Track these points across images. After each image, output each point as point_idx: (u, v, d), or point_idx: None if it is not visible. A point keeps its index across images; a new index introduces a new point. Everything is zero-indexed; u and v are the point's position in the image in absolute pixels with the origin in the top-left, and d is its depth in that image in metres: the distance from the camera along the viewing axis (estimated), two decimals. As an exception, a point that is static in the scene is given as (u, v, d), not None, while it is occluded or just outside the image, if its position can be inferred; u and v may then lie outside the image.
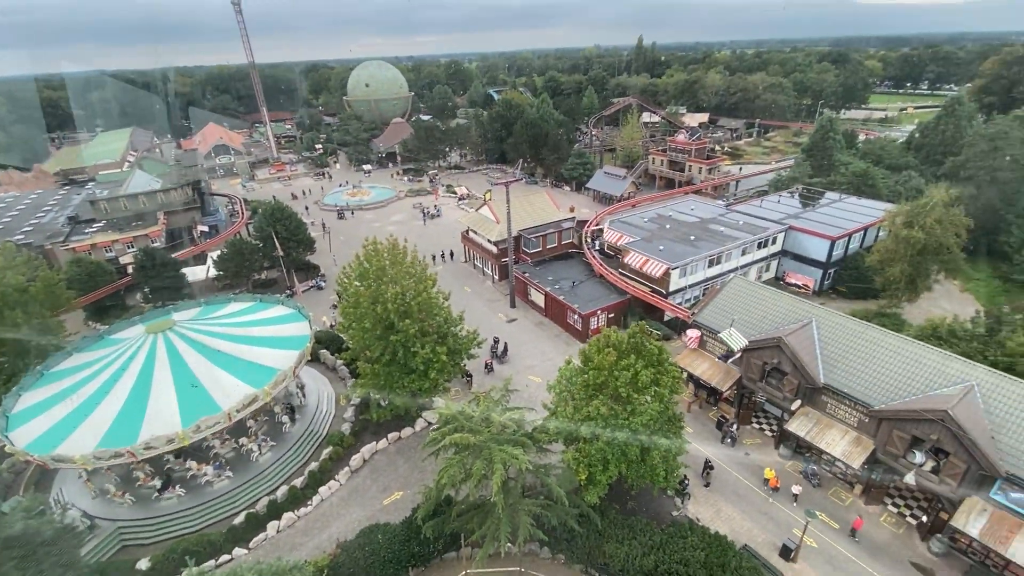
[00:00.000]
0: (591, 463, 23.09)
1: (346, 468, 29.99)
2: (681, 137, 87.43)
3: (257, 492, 28.41)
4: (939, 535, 24.35)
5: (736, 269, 46.85)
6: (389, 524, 25.02)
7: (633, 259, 46.34)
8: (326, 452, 30.60)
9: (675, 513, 26.68)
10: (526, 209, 55.40)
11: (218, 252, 53.54)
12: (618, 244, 51.15)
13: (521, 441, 23.22)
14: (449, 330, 31.92)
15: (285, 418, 32.46)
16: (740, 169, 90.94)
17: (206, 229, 65.09)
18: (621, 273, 47.47)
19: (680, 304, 43.63)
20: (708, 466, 28.92)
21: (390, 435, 32.71)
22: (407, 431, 33.31)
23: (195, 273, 53.79)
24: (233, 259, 51.03)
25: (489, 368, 39.74)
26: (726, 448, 31.19)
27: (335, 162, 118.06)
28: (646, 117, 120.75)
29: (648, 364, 23.36)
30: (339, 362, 39.37)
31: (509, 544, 21.93)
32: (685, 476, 27.58)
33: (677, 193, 74.23)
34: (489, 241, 53.90)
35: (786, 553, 24.22)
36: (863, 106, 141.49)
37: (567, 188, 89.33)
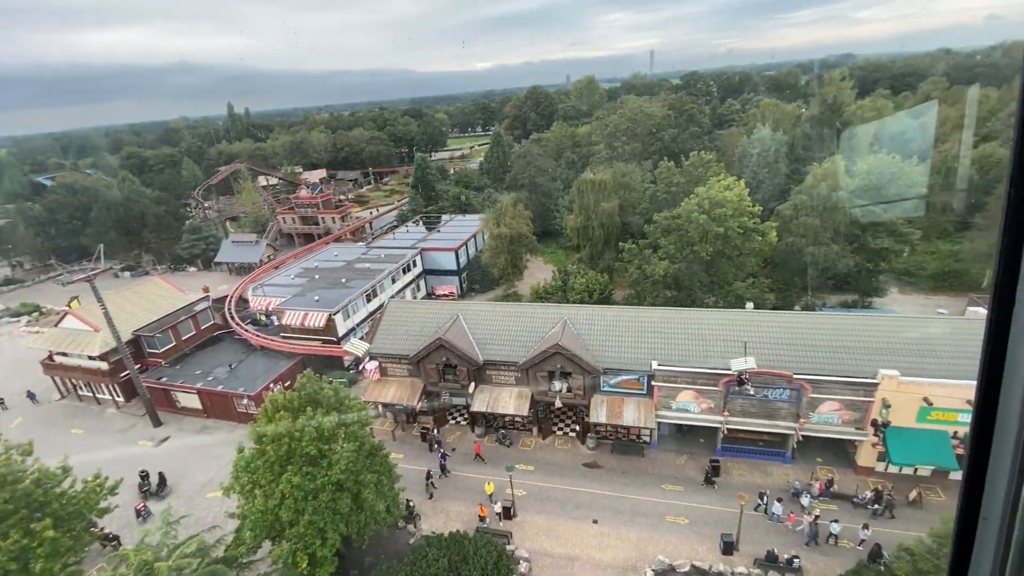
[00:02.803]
0: (307, 544, 20.46)
1: None
2: (304, 193, 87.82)
3: None
4: (589, 434, 32.43)
5: (393, 296, 50.30)
6: None
7: (292, 317, 43.68)
8: None
9: (412, 541, 26.51)
10: (138, 304, 44.61)
11: None
12: (270, 308, 47.26)
13: (213, 571, 18.59)
14: (50, 493, 22.54)
15: None
16: (377, 211, 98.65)
17: None
18: (285, 336, 44.03)
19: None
20: (429, 477, 29.95)
21: None
22: (20, 673, 21.72)
23: None
24: None
25: (144, 513, 30.18)
26: (436, 453, 33.04)
27: None
28: (264, 180, 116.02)
29: (329, 410, 22.32)
30: None
31: None
32: (408, 500, 27.74)
33: (318, 245, 74.28)
34: (92, 358, 40.85)
35: (507, 513, 27.52)
36: (445, 148, 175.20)
37: (193, 268, 76.91)
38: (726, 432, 28.96)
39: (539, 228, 64.57)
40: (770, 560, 23.46)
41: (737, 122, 79.03)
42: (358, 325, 45.77)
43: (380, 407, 36.36)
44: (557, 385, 31.62)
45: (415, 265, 54.92)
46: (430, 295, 56.87)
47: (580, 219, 47.56)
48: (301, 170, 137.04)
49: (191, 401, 39.79)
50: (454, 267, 55.70)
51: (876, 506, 25.36)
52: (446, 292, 56.22)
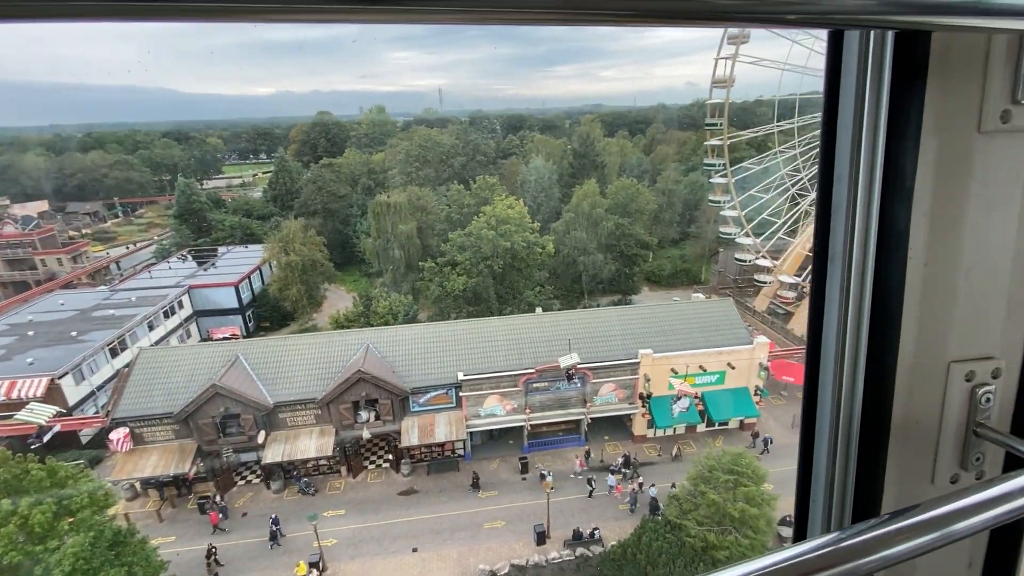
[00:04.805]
0: None
1: None
2: (9, 229, 67.30)
3: None
4: (403, 460, 31.13)
5: (155, 345, 41.35)
6: None
7: (-14, 393, 32.24)
8: None
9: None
10: None
11: None
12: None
13: None
14: None
15: None
16: (135, 245, 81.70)
17: None
18: (-26, 420, 32.14)
19: (97, 412, 34.38)
20: (210, 555, 24.80)
21: None
22: None
23: None
24: None
25: None
26: (224, 524, 27.71)
27: None
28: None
29: (42, 498, 16.76)
30: None
31: None
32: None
33: (37, 293, 57.20)
34: None
35: (318, 567, 24.45)
36: (221, 176, 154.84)
37: None
38: (530, 428, 30.98)
39: (339, 256, 61.15)
40: (576, 537, 25.56)
41: (517, 154, 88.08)
42: (101, 387, 36.27)
43: (137, 484, 29.11)
44: (364, 415, 29.71)
45: (181, 306, 46.26)
46: (207, 340, 48.42)
47: (379, 242, 46.50)
48: (8, 202, 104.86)
49: None
50: (235, 304, 48.62)
51: (626, 469, 29.70)
52: (228, 335, 48.55)
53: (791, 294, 43.90)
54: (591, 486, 28.39)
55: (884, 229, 1.18)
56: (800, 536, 1.52)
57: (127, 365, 38.50)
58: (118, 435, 27.73)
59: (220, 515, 27.78)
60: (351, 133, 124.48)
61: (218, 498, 28.63)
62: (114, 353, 38.01)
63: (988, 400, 1.24)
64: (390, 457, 31.86)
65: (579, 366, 29.43)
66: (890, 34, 1.05)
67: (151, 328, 41.97)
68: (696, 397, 31.73)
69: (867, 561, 0.79)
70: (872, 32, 1.06)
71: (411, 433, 29.61)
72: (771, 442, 31.06)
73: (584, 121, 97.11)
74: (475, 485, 28.96)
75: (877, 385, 1.25)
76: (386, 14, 0.56)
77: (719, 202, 45.63)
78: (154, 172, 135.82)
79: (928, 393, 1.24)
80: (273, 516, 26.67)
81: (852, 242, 1.19)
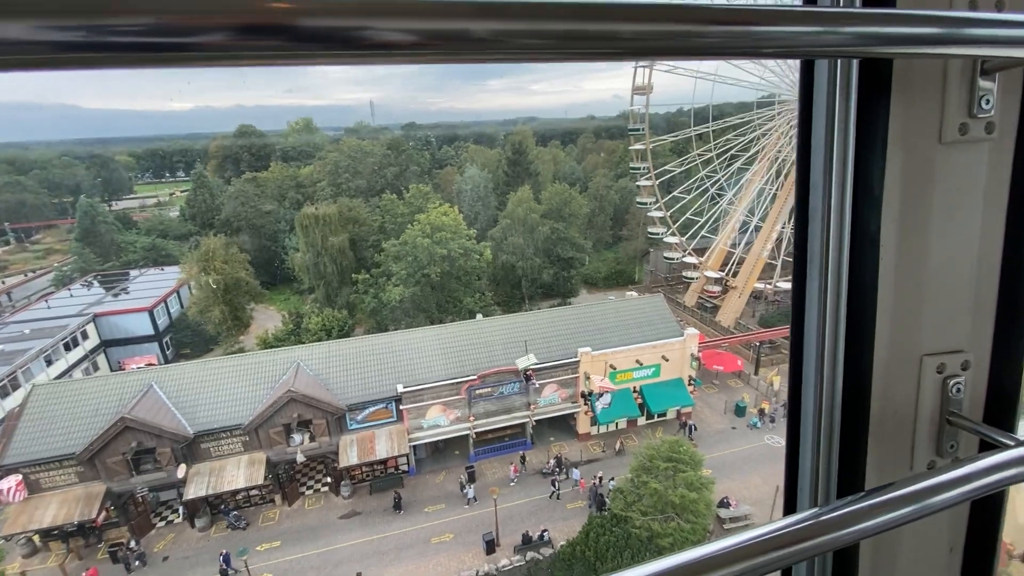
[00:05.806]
0: None
1: None
2: None
3: None
4: (343, 482, 29.68)
5: (53, 381, 37.12)
6: None
7: None
8: None
9: None
10: None
11: None
12: None
13: None
14: None
15: None
16: (33, 273, 73.20)
17: None
18: None
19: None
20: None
21: None
22: None
23: None
24: None
25: None
26: (141, 573, 25.12)
27: None
28: None
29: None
30: None
31: None
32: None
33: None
34: None
35: (250, 606, 22.67)
36: (133, 196, 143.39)
37: None
38: (475, 436, 30.53)
39: (267, 275, 58.10)
40: (526, 542, 25.33)
41: (453, 164, 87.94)
42: (-13, 434, 31.96)
43: (36, 538, 25.83)
44: (297, 438, 28.10)
45: (86, 337, 41.99)
46: (120, 372, 44.16)
47: (308, 257, 44.57)
48: None
49: None
50: (151, 331, 44.79)
51: (558, 470, 29.67)
52: (142, 364, 44.53)
53: (716, 288, 46.43)
54: (555, 487, 28.40)
55: (857, 233, 1.29)
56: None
57: (19, 405, 34.39)
58: (8, 484, 24.51)
59: (137, 563, 25.23)
60: (277, 147, 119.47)
61: (133, 543, 25.94)
62: (4, 393, 33.78)
63: (959, 390, 1.34)
64: (328, 480, 30.27)
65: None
66: (855, 60, 1.16)
67: (49, 363, 37.71)
68: (634, 391, 32.67)
69: (849, 532, 0.87)
70: (839, 60, 1.18)
71: (350, 452, 28.31)
72: (695, 429, 32.67)
73: (519, 132, 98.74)
74: (397, 506, 27.72)
75: (855, 378, 1.35)
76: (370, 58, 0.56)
77: (646, 203, 47.66)
78: (53, 194, 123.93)
79: (903, 385, 1.34)
80: (224, 553, 24.62)
81: (828, 246, 1.30)
